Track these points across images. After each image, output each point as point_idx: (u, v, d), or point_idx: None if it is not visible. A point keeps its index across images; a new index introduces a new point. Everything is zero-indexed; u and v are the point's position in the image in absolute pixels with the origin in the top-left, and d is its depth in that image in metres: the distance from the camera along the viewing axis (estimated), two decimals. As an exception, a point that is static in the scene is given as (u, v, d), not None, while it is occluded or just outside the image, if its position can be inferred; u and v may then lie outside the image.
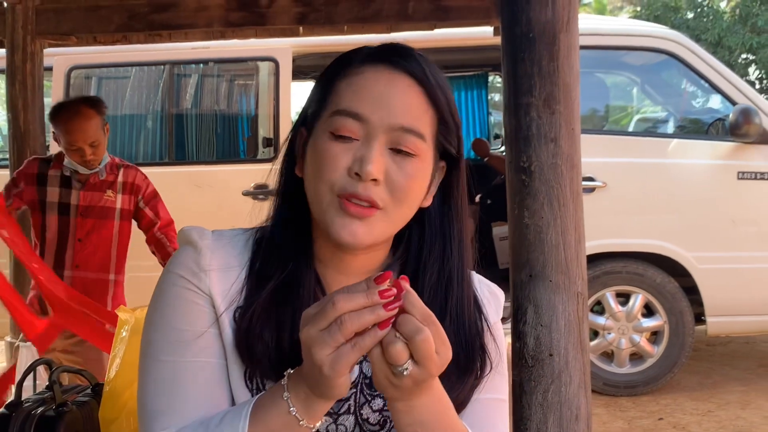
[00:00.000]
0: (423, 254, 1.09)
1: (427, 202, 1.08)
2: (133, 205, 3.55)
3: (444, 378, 0.94)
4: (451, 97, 1.06)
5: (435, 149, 1.05)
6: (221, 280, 1.05)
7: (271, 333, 1.02)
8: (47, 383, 1.63)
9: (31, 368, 1.68)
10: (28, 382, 1.66)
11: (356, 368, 1.01)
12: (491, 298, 1.18)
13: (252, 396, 1.02)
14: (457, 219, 1.11)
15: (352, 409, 1.05)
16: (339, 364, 0.84)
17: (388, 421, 1.05)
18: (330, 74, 1.07)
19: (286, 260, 1.06)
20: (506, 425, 1.15)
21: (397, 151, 1.00)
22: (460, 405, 1.06)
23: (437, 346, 0.86)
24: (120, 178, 3.52)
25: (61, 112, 3.44)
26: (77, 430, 1.66)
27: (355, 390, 1.05)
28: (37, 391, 1.64)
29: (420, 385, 0.88)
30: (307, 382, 0.90)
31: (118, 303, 3.48)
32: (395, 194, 1.01)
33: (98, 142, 3.41)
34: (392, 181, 1.00)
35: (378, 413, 1.05)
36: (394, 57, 1.03)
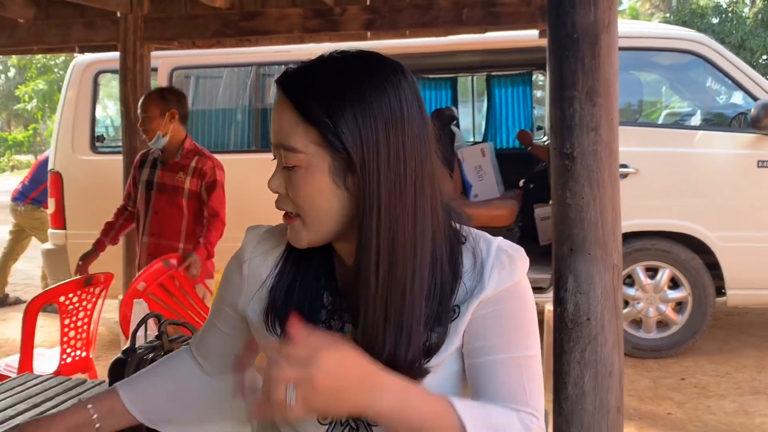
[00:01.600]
0: (362, 232, 0.97)
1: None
2: (199, 188, 3.56)
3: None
4: (337, 100, 0.94)
5: (330, 151, 0.95)
6: (261, 263, 1.11)
7: (291, 298, 1.06)
8: (156, 334, 1.67)
9: (143, 321, 1.72)
10: (141, 332, 1.70)
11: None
12: (507, 261, 1.02)
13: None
14: (378, 200, 0.96)
15: None
16: None
17: None
18: None
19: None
20: (534, 381, 1.01)
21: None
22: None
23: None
24: (193, 164, 3.57)
25: None
26: (181, 373, 1.70)
27: None
28: (148, 341, 1.68)
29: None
30: None
31: None
32: (297, 202, 0.99)
33: (150, 116, 3.50)
34: (291, 193, 1.00)
35: None
36: (281, 84, 0.99)
